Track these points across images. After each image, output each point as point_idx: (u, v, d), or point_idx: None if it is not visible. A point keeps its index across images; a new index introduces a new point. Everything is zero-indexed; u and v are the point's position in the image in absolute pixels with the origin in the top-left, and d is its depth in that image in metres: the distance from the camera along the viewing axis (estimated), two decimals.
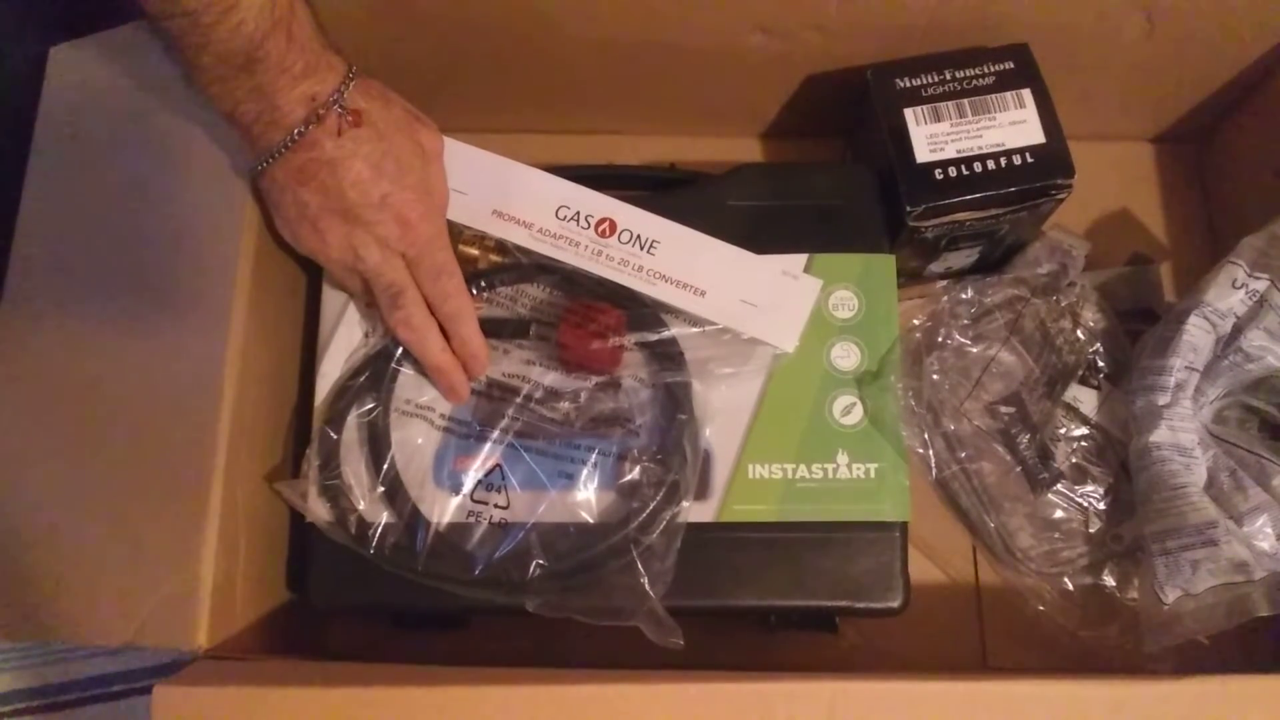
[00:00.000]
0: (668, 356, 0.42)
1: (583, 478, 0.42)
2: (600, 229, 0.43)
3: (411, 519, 0.41)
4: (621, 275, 0.43)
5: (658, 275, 0.43)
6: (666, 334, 0.43)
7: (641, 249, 0.43)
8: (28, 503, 0.39)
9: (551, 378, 0.43)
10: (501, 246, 0.44)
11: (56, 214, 0.43)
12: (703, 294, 0.43)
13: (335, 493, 0.42)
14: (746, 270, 0.43)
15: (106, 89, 0.45)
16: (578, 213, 0.43)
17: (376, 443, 0.42)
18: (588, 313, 0.42)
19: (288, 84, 0.36)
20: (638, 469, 0.41)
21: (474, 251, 0.44)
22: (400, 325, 0.41)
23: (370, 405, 0.42)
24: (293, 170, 0.38)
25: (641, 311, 0.43)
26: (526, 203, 0.43)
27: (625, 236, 0.43)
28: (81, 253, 0.42)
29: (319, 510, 0.42)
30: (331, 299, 0.44)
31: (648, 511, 0.40)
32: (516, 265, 0.44)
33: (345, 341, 0.44)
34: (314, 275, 0.47)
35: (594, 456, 0.42)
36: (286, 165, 0.38)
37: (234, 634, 0.40)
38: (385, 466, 0.42)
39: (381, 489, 0.41)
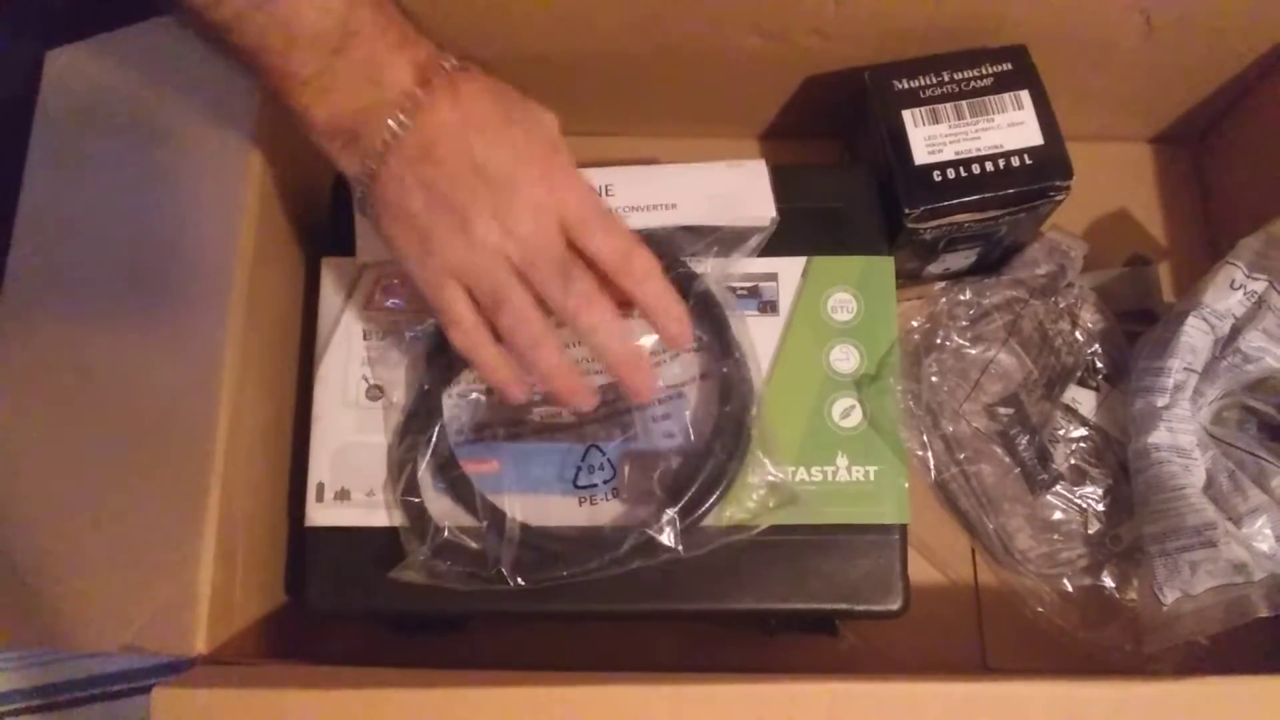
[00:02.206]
0: (672, 267, 0.42)
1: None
2: None
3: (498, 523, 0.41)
4: None
5: (626, 209, 0.43)
6: (663, 249, 0.41)
7: (600, 196, 0.43)
8: (24, 507, 0.39)
9: None
10: None
11: (53, 218, 0.43)
12: (674, 207, 0.43)
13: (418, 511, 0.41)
14: (699, 174, 0.44)
15: (103, 92, 0.45)
16: None
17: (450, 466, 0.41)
18: None
19: (387, 53, 0.32)
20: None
21: None
22: (580, 300, 0.34)
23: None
24: (413, 151, 0.33)
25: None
26: None
27: None
28: (78, 257, 0.42)
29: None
30: (329, 301, 0.44)
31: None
32: None
33: (343, 344, 0.44)
34: (312, 277, 0.47)
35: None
36: (404, 150, 0.33)
37: (232, 639, 0.40)
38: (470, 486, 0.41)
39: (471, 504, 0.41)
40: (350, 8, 0.32)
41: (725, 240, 0.43)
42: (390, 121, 0.33)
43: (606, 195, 0.44)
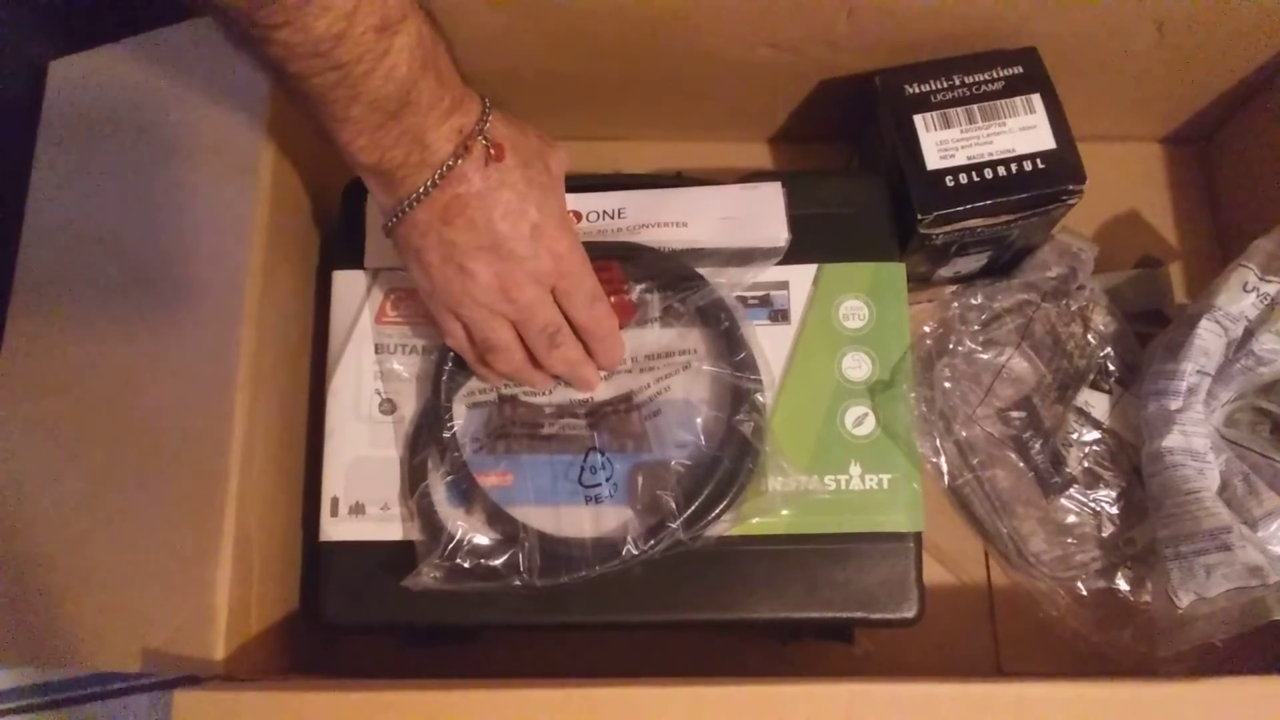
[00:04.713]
0: (681, 279, 0.43)
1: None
2: None
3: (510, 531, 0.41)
4: (604, 239, 0.43)
5: (637, 227, 0.44)
6: (669, 260, 0.43)
7: (612, 218, 0.44)
8: (39, 525, 0.39)
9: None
10: None
11: (61, 229, 0.43)
12: (685, 225, 0.44)
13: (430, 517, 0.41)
14: (712, 197, 0.45)
15: (109, 102, 0.45)
16: None
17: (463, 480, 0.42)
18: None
19: (437, 121, 0.35)
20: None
21: None
22: (560, 363, 0.41)
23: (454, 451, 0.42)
24: (439, 209, 0.36)
25: (643, 256, 0.43)
26: None
27: (593, 216, 0.44)
28: (87, 269, 0.42)
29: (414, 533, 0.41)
30: (341, 315, 0.44)
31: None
32: None
33: (355, 358, 0.44)
34: (322, 290, 0.47)
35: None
36: (432, 205, 0.36)
37: (249, 656, 0.40)
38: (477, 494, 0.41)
39: (478, 514, 0.41)
40: (414, 79, 0.33)
41: (736, 257, 0.43)
42: (425, 180, 0.36)
43: (619, 217, 0.44)
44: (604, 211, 0.44)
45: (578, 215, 0.44)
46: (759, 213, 0.44)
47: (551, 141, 0.40)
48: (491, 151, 0.36)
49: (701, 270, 0.43)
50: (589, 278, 0.40)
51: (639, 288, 0.43)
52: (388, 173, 0.35)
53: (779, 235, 0.44)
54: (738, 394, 0.42)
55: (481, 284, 0.37)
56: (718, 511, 0.41)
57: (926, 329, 0.50)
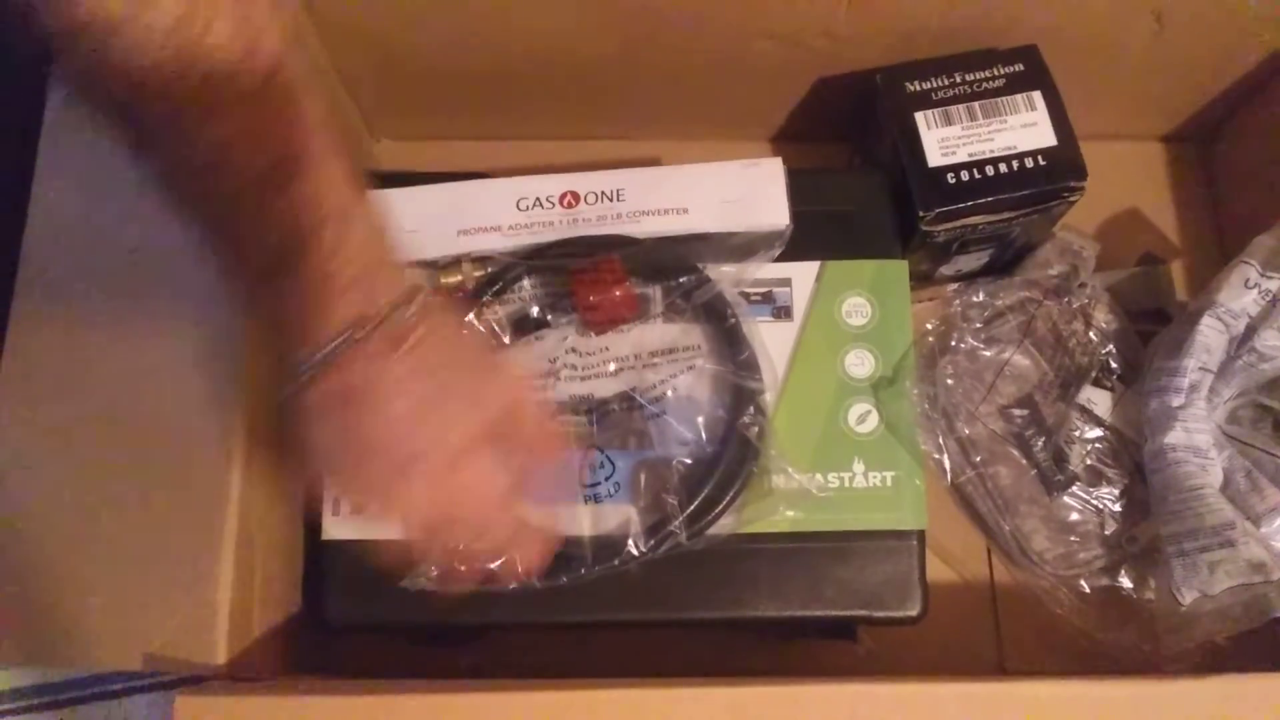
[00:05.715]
0: (683, 272, 0.42)
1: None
2: (565, 202, 0.44)
3: None
4: (603, 229, 0.43)
5: (637, 214, 0.43)
6: (670, 254, 0.43)
7: (611, 201, 0.44)
8: (41, 529, 0.39)
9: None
10: (480, 259, 0.44)
11: (63, 234, 0.43)
12: (686, 212, 0.43)
13: None
14: (713, 176, 0.44)
15: None
16: (537, 198, 0.44)
17: None
18: (594, 271, 0.42)
19: (335, 292, 0.30)
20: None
21: (456, 278, 0.43)
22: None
23: None
24: (324, 395, 0.31)
25: (644, 249, 0.43)
26: (486, 210, 0.44)
27: (591, 198, 0.44)
28: (88, 272, 0.42)
29: None
30: None
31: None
32: (504, 266, 0.43)
33: None
34: None
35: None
36: (317, 388, 0.31)
37: (250, 656, 0.40)
38: None
39: None
40: (315, 228, 0.29)
41: (739, 248, 0.43)
42: (311, 355, 0.31)
43: (617, 199, 0.44)
44: (603, 193, 0.44)
45: (576, 197, 0.44)
46: (760, 193, 0.44)
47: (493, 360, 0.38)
48: (398, 342, 0.31)
49: (703, 263, 0.43)
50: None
51: (641, 282, 0.43)
52: (285, 329, 0.31)
53: (781, 218, 0.43)
54: (739, 393, 0.42)
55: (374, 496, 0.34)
56: (718, 511, 0.41)
57: (929, 326, 0.50)
